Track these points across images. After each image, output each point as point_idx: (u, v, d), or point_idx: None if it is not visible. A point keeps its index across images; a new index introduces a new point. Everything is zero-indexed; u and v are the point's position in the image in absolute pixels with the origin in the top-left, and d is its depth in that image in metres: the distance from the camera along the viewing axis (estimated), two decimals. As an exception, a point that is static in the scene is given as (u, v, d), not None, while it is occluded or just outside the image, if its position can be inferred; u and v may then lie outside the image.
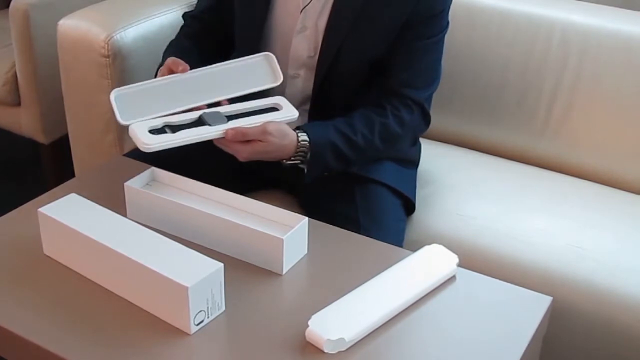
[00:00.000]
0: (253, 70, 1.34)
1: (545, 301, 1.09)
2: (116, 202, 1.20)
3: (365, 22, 1.34)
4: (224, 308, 1.03)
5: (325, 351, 0.97)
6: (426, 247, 1.16)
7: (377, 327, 1.01)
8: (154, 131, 1.22)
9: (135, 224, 1.09)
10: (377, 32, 1.35)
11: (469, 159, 1.74)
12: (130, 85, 1.28)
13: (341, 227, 1.24)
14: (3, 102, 2.07)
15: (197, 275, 0.97)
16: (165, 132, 1.22)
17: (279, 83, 1.35)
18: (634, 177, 1.66)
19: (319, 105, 1.42)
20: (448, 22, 1.41)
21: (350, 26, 1.34)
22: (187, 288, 0.96)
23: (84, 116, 1.78)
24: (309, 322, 0.98)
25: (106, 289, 1.06)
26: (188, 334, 0.99)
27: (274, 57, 1.35)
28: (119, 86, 1.29)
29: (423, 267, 1.12)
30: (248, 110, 1.29)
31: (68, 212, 1.10)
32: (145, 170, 1.25)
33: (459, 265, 1.13)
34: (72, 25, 1.72)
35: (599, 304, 1.33)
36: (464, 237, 1.45)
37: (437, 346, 1.00)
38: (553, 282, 1.36)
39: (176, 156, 1.39)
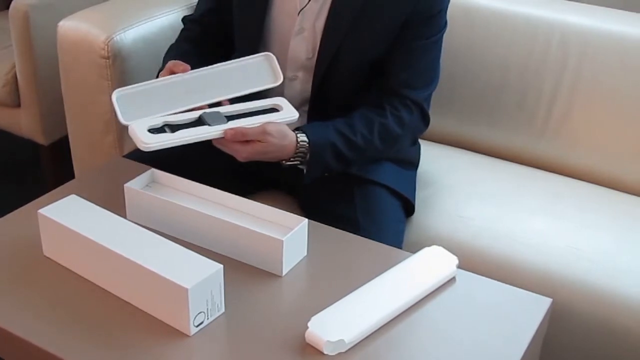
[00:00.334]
0: (253, 71, 1.35)
1: (545, 303, 1.09)
2: (116, 204, 1.21)
3: (363, 23, 1.34)
4: (223, 309, 1.03)
5: (325, 353, 0.97)
6: (426, 249, 1.16)
7: (376, 328, 1.01)
8: (154, 130, 1.22)
9: (135, 225, 1.09)
10: (375, 33, 1.35)
11: (469, 160, 1.74)
12: (132, 86, 1.28)
13: (341, 229, 1.24)
14: (3, 103, 2.07)
15: (196, 277, 0.97)
16: (165, 131, 1.22)
17: (279, 83, 1.35)
18: (633, 178, 1.66)
19: (318, 107, 1.42)
20: (446, 22, 1.41)
21: (348, 27, 1.34)
22: (187, 289, 0.96)
23: (83, 117, 1.78)
24: (309, 324, 0.98)
25: (106, 290, 1.06)
26: (188, 336, 0.99)
27: (274, 57, 1.35)
28: (118, 87, 1.29)
29: (423, 268, 1.12)
30: (248, 111, 1.29)
31: (68, 213, 1.10)
32: (145, 171, 1.25)
33: (459, 266, 1.13)
34: (72, 26, 1.72)
35: (597, 305, 1.34)
36: (463, 238, 1.45)
37: (436, 348, 1.00)
38: (552, 283, 1.36)
39: (176, 157, 1.39)
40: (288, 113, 1.30)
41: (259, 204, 1.18)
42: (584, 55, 1.67)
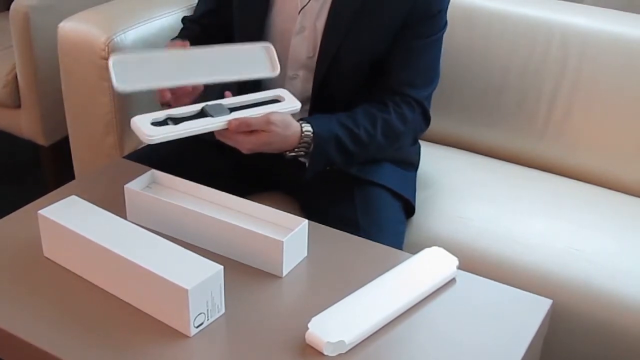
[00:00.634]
0: (253, 58, 1.33)
1: (545, 304, 1.09)
2: (116, 204, 1.21)
3: (363, 22, 1.34)
4: (223, 310, 1.03)
5: (325, 354, 0.97)
6: (426, 250, 1.16)
7: (377, 329, 1.01)
8: (156, 123, 1.20)
9: (135, 226, 1.09)
10: (375, 32, 1.36)
11: (469, 161, 1.74)
12: (130, 53, 1.27)
13: (341, 230, 1.24)
14: (3, 104, 2.07)
15: (197, 278, 0.97)
16: (168, 124, 1.21)
17: (276, 74, 1.34)
18: (633, 179, 1.66)
19: (319, 106, 1.42)
20: (446, 22, 1.42)
21: (348, 26, 1.34)
22: (187, 290, 0.96)
23: (84, 118, 1.78)
24: (309, 325, 0.98)
25: (106, 291, 1.06)
26: (188, 337, 0.99)
27: (273, 48, 1.35)
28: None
29: (423, 269, 1.12)
30: (250, 103, 1.28)
31: (68, 214, 1.10)
32: (145, 172, 1.25)
33: (459, 267, 1.13)
34: (72, 27, 1.72)
35: (598, 306, 1.34)
36: (463, 239, 1.45)
37: (437, 349, 1.00)
38: (552, 284, 1.36)
39: (176, 158, 1.39)
40: (290, 103, 1.29)
41: (259, 204, 1.18)
42: (584, 55, 1.68)
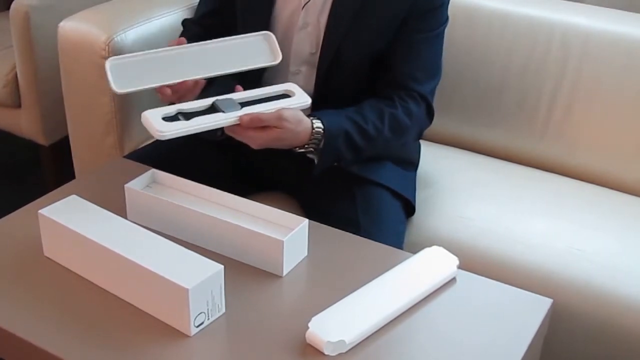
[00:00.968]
0: (253, 48, 1.33)
1: (545, 303, 1.09)
2: (116, 204, 1.20)
3: (365, 17, 1.34)
4: (224, 310, 1.03)
5: (326, 353, 0.97)
6: (426, 249, 1.16)
7: (377, 329, 1.01)
8: (167, 119, 1.20)
9: (136, 225, 1.09)
10: (377, 27, 1.36)
11: (469, 161, 1.74)
12: (126, 55, 1.27)
13: (341, 229, 1.23)
14: (3, 104, 2.07)
15: (197, 277, 0.97)
16: (179, 119, 1.20)
17: (277, 62, 1.34)
18: (634, 178, 1.66)
19: (321, 102, 1.42)
20: (448, 17, 1.42)
21: (351, 22, 1.35)
22: (187, 290, 0.96)
23: (84, 118, 1.78)
24: (309, 324, 0.98)
25: (106, 291, 1.06)
26: (188, 336, 0.99)
27: (273, 36, 1.34)
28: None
29: (423, 269, 1.12)
30: (260, 97, 1.27)
31: (68, 213, 1.10)
32: (145, 172, 1.25)
33: (459, 267, 1.13)
34: (72, 27, 1.72)
35: (598, 306, 1.33)
36: (463, 239, 1.45)
37: (437, 348, 1.00)
38: (552, 284, 1.36)
39: (176, 158, 1.39)
40: (301, 98, 1.29)
41: (259, 204, 1.18)
42: (584, 55, 1.67)
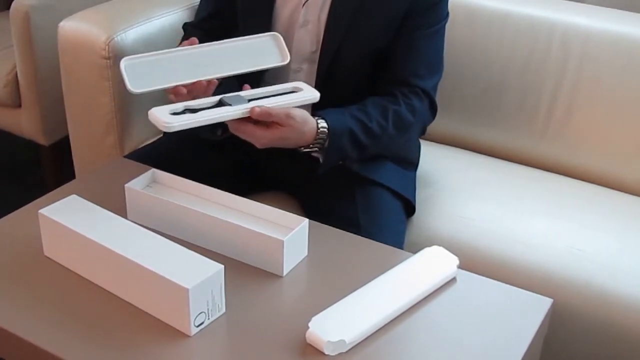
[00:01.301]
0: (261, 49, 1.33)
1: (545, 303, 1.09)
2: (117, 204, 1.20)
3: (365, 15, 1.35)
4: (224, 310, 1.03)
5: (326, 353, 0.97)
6: (426, 249, 1.16)
7: (377, 329, 1.01)
8: (175, 114, 1.19)
9: (136, 225, 1.09)
10: (377, 24, 1.36)
11: (469, 161, 1.74)
12: (140, 55, 1.27)
13: (341, 229, 1.24)
14: (4, 104, 2.07)
15: (197, 277, 0.97)
16: (186, 114, 1.20)
17: (286, 62, 1.34)
18: (635, 178, 1.66)
19: (322, 99, 1.42)
20: (448, 13, 1.42)
21: (350, 19, 1.35)
22: (187, 290, 0.96)
23: (84, 118, 1.78)
24: (310, 324, 0.98)
25: (106, 291, 1.06)
26: (188, 336, 0.99)
27: (281, 37, 1.34)
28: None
29: (423, 269, 1.12)
30: (268, 94, 1.27)
31: (68, 213, 1.10)
32: (145, 171, 1.25)
33: (459, 267, 1.13)
34: (72, 27, 1.72)
35: (598, 306, 1.33)
36: (464, 239, 1.45)
37: (437, 348, 1.00)
38: (553, 284, 1.36)
39: (177, 158, 1.39)
40: (309, 93, 1.28)
41: (259, 204, 1.18)
42: (584, 55, 1.67)
